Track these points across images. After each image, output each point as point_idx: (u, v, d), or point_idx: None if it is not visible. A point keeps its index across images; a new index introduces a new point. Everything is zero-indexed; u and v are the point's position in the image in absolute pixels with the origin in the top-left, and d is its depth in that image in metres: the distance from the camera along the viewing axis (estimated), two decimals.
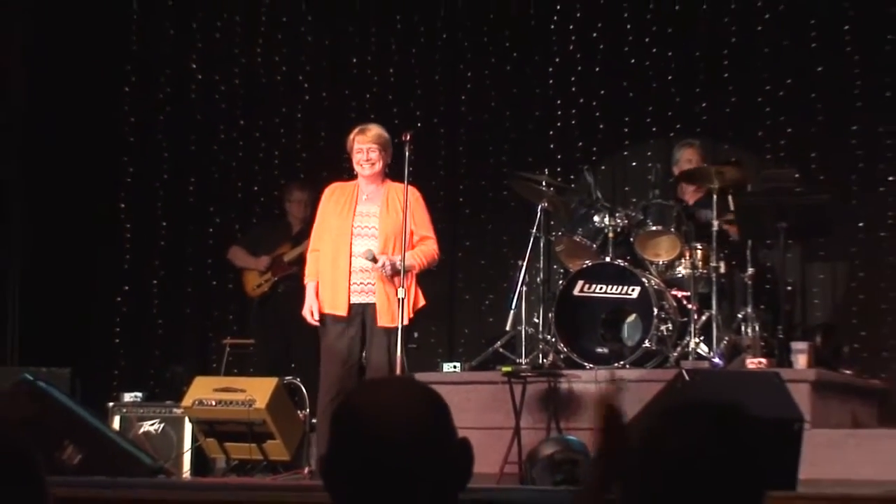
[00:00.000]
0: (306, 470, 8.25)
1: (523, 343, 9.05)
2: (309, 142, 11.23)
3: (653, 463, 2.49)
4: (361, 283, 7.55)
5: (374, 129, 7.66)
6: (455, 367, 9.35)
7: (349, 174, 8.13)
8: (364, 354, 7.57)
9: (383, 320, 7.42)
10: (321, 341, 7.69)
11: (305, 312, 7.64)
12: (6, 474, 1.69)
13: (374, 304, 7.51)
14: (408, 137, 7.63)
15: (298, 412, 8.75)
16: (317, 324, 7.58)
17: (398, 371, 7.25)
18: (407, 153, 7.57)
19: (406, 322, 7.44)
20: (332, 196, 7.78)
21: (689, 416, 2.55)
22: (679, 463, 2.45)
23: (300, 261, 9.53)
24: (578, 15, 10.69)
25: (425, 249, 7.57)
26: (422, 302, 7.68)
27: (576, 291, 8.82)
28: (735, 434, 2.51)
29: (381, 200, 7.59)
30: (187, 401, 8.58)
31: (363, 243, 7.52)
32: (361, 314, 7.54)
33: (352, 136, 7.67)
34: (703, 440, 2.47)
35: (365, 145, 7.58)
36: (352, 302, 7.53)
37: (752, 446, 2.53)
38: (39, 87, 11.07)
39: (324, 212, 7.78)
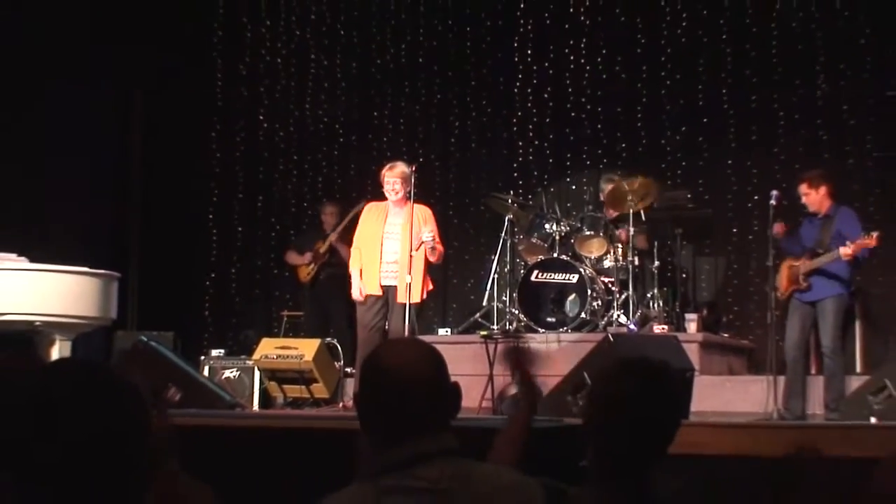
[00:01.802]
0: (341, 404, 8.26)
1: (495, 315, 9.08)
2: (342, 172, 11.23)
3: (604, 401, 2.51)
4: (387, 272, 7.53)
5: (399, 167, 7.67)
6: (447, 331, 9.39)
7: (372, 195, 8.16)
8: (388, 322, 7.56)
9: (401, 298, 7.40)
10: (357, 313, 7.67)
11: (354, 293, 7.60)
12: (124, 406, 1.70)
13: (395, 287, 7.47)
14: (413, 168, 7.64)
15: (335, 363, 8.75)
16: (362, 300, 7.53)
17: (407, 334, 7.26)
18: (413, 179, 7.59)
19: (419, 300, 7.47)
20: (370, 212, 7.81)
21: (632, 368, 2.57)
22: (624, 401, 2.47)
23: (329, 249, 9.58)
24: (535, 81, 10.68)
25: (438, 248, 7.62)
26: (430, 286, 7.69)
27: (532, 278, 8.85)
28: (665, 381, 2.54)
29: (404, 215, 7.59)
30: (256, 355, 8.60)
31: (390, 244, 7.55)
32: (386, 293, 7.52)
33: (384, 171, 7.68)
34: (643, 385, 2.49)
35: (392, 178, 7.59)
36: (382, 284, 7.52)
37: (676, 390, 2.56)
38: (153, 133, 11.10)
39: (363, 221, 7.80)
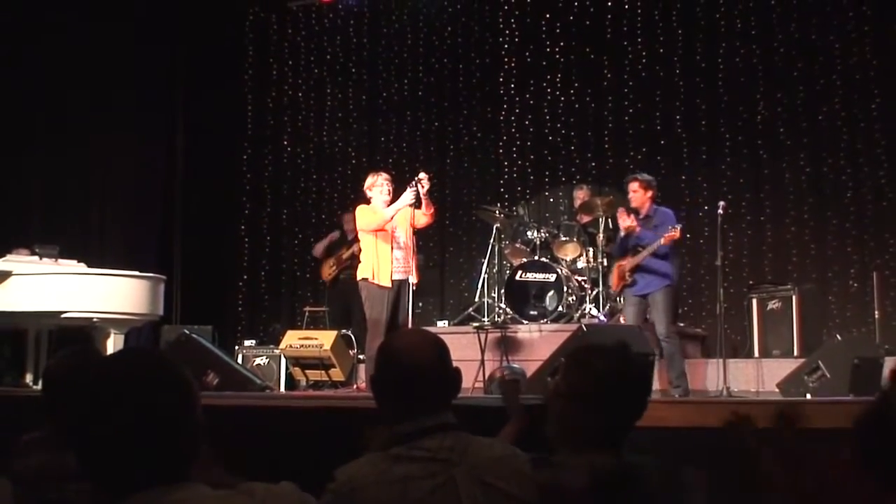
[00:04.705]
0: (355, 387, 8.21)
1: (486, 309, 9.06)
2: (354, 188, 11.11)
3: (584, 380, 2.49)
4: (397, 268, 7.14)
5: (384, 173, 7.50)
6: (445, 323, 9.37)
7: None
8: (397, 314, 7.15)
9: (409, 290, 7.12)
10: (368, 309, 7.16)
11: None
12: (175, 389, 1.70)
13: (402, 280, 7.11)
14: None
15: (350, 351, 8.73)
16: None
17: (409, 323, 7.15)
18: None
19: (416, 280, 7.17)
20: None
21: (606, 351, 2.55)
22: (602, 377, 2.45)
23: (351, 256, 9.47)
24: (517, 110, 10.70)
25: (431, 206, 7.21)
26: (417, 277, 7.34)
27: (517, 277, 8.82)
28: (635, 361, 2.53)
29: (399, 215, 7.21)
30: (283, 345, 8.55)
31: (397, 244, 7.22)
32: (398, 286, 7.11)
33: (373, 177, 7.37)
34: (618, 364, 2.47)
35: (382, 180, 7.26)
36: (392, 279, 7.08)
37: (645, 369, 2.55)
38: (194, 158, 11.11)
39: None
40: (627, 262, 7.34)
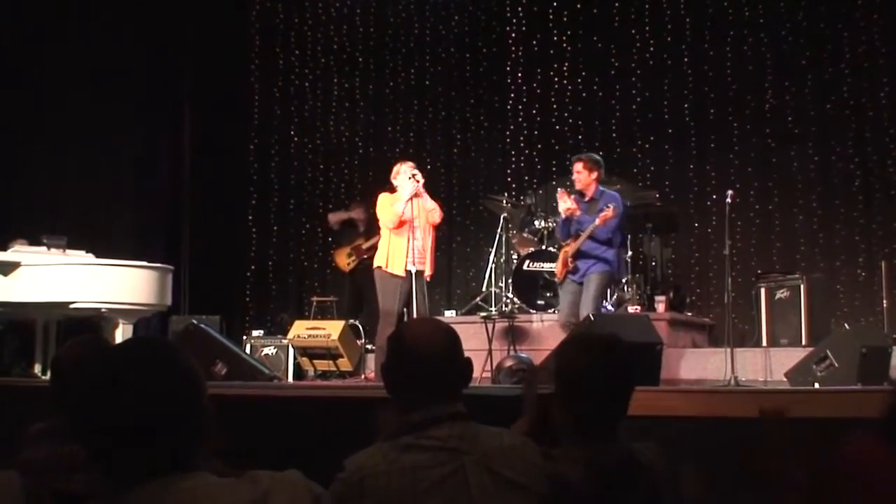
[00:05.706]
0: (363, 376, 8.22)
1: (493, 298, 9.05)
2: (361, 178, 11.20)
3: (568, 375, 2.48)
4: (412, 259, 7.16)
5: (409, 161, 7.53)
6: (452, 312, 9.36)
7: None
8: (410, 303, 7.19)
9: (424, 281, 7.18)
10: (385, 298, 7.22)
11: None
12: (182, 378, 1.69)
13: (418, 271, 7.16)
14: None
15: (357, 341, 8.74)
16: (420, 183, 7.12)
17: (426, 312, 7.12)
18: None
19: (430, 273, 7.25)
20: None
21: (588, 344, 2.54)
22: (583, 372, 2.44)
23: (371, 248, 9.40)
24: (524, 99, 10.68)
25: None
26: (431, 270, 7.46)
27: (525, 267, 8.79)
28: (615, 354, 2.51)
29: (417, 208, 7.30)
30: (291, 335, 8.56)
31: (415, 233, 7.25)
32: (412, 277, 7.15)
33: (401, 165, 7.47)
34: (598, 360, 2.46)
35: (405, 167, 7.35)
36: (407, 269, 7.13)
37: (625, 361, 2.51)
38: (201, 149, 11.09)
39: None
40: (570, 247, 7.23)
